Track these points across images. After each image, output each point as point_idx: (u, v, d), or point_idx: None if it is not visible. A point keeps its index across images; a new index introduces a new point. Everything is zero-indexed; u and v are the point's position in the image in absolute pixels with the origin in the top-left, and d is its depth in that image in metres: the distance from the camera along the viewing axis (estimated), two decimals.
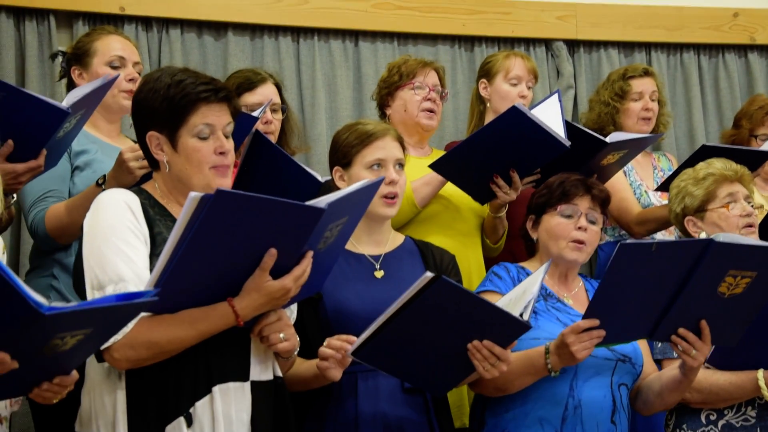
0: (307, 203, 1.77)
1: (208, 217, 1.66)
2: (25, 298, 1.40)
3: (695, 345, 2.16)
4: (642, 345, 2.45)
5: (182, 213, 1.67)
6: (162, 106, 1.95)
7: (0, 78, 3.08)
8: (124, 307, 1.55)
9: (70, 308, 1.46)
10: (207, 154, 1.95)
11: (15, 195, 2.42)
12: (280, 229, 1.77)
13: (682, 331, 2.16)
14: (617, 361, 2.35)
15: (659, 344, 2.48)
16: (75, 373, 1.67)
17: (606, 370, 2.34)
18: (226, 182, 1.99)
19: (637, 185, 3.42)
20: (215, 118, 1.97)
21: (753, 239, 2.11)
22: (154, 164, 2.04)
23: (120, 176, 2.33)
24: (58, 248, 2.58)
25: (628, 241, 1.95)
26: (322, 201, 1.79)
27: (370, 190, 1.98)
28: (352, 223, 2.00)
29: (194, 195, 1.65)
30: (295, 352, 2.05)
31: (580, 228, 2.42)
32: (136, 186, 2.08)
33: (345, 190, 1.89)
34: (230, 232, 1.72)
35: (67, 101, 2.29)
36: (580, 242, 2.42)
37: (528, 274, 2.45)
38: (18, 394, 1.67)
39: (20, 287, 1.40)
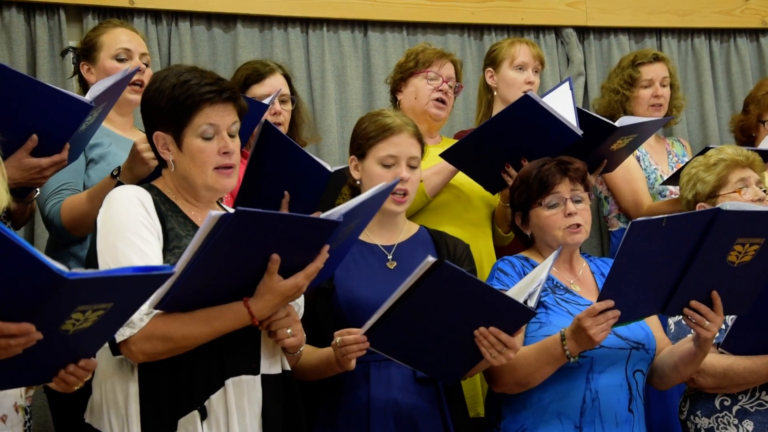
0: (323, 216, 1.83)
1: (225, 234, 1.69)
2: (46, 264, 1.41)
3: (708, 316, 2.16)
4: (652, 323, 2.43)
5: (199, 231, 1.70)
6: (167, 107, 1.98)
7: None
8: (143, 278, 1.57)
9: (92, 274, 1.47)
10: (211, 154, 1.98)
11: (38, 189, 2.43)
12: (295, 239, 1.81)
13: (694, 303, 2.15)
14: (631, 350, 2.34)
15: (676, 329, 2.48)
16: (95, 360, 1.69)
17: (620, 360, 2.32)
18: (231, 182, 2.02)
19: (652, 170, 3.41)
20: (219, 118, 1.99)
21: (759, 206, 2.10)
22: (162, 163, 2.07)
23: (134, 167, 2.35)
24: (74, 241, 2.59)
25: (638, 219, 1.97)
26: (336, 213, 1.84)
27: (385, 193, 2.02)
28: (366, 220, 2.05)
29: (214, 214, 1.67)
30: (302, 348, 2.06)
31: (570, 214, 2.39)
32: (147, 182, 2.10)
33: (359, 198, 1.92)
34: (246, 245, 1.76)
35: (90, 94, 2.30)
36: (576, 225, 2.40)
37: (533, 265, 2.43)
38: (43, 379, 1.68)
39: (39, 256, 1.40)
